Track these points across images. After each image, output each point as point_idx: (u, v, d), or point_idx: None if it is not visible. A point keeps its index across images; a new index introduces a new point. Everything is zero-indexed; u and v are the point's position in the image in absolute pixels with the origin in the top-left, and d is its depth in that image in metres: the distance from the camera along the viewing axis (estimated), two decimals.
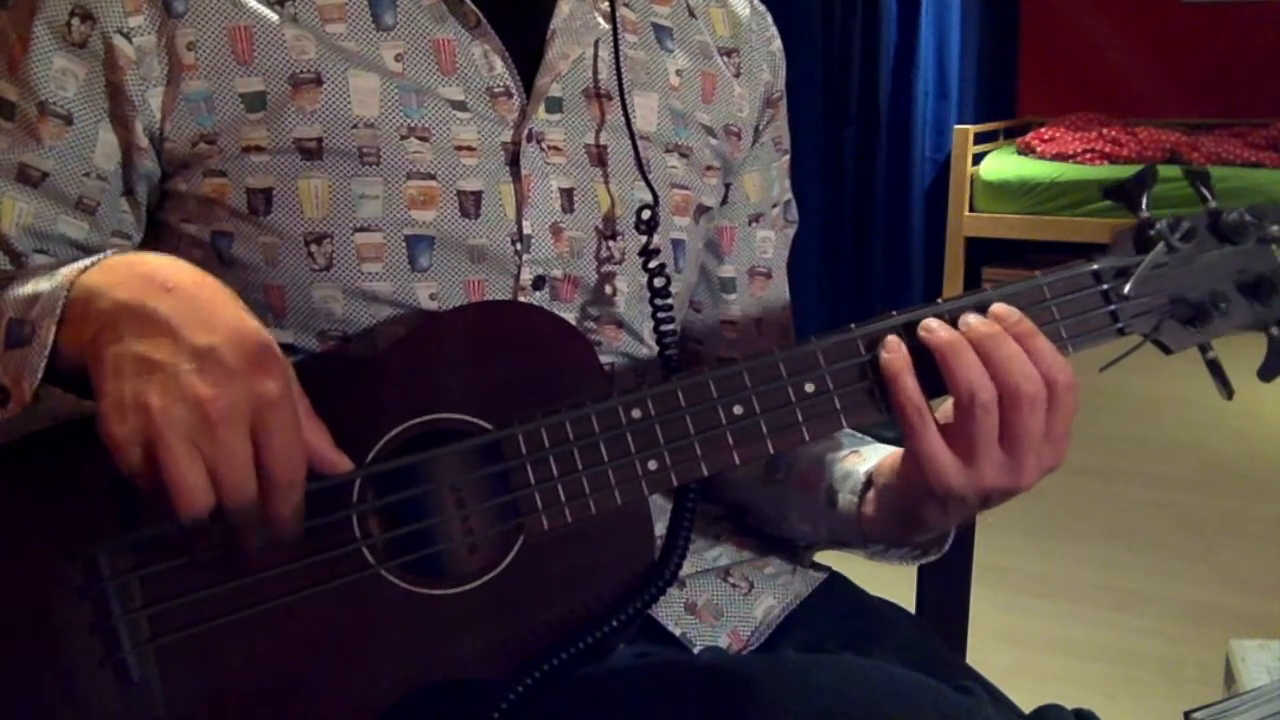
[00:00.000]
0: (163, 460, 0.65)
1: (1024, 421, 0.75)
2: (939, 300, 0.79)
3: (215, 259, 0.83)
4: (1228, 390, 0.82)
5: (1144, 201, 0.82)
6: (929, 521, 0.83)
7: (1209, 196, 0.84)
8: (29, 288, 0.73)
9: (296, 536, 0.70)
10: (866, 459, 0.91)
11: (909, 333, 0.78)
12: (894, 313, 0.79)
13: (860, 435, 0.95)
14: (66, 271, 0.72)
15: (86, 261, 0.73)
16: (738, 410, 0.77)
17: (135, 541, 0.74)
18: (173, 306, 0.68)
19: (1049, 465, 0.77)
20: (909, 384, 0.76)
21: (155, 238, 0.87)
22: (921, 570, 1.17)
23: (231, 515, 0.67)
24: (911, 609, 1.13)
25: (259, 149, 0.81)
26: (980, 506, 0.79)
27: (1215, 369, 0.83)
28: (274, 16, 0.82)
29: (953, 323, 0.77)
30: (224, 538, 0.69)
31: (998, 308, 0.78)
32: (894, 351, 0.77)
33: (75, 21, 0.80)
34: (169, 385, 0.66)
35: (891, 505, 0.86)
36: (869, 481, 0.89)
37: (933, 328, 0.77)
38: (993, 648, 2.32)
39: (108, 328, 0.68)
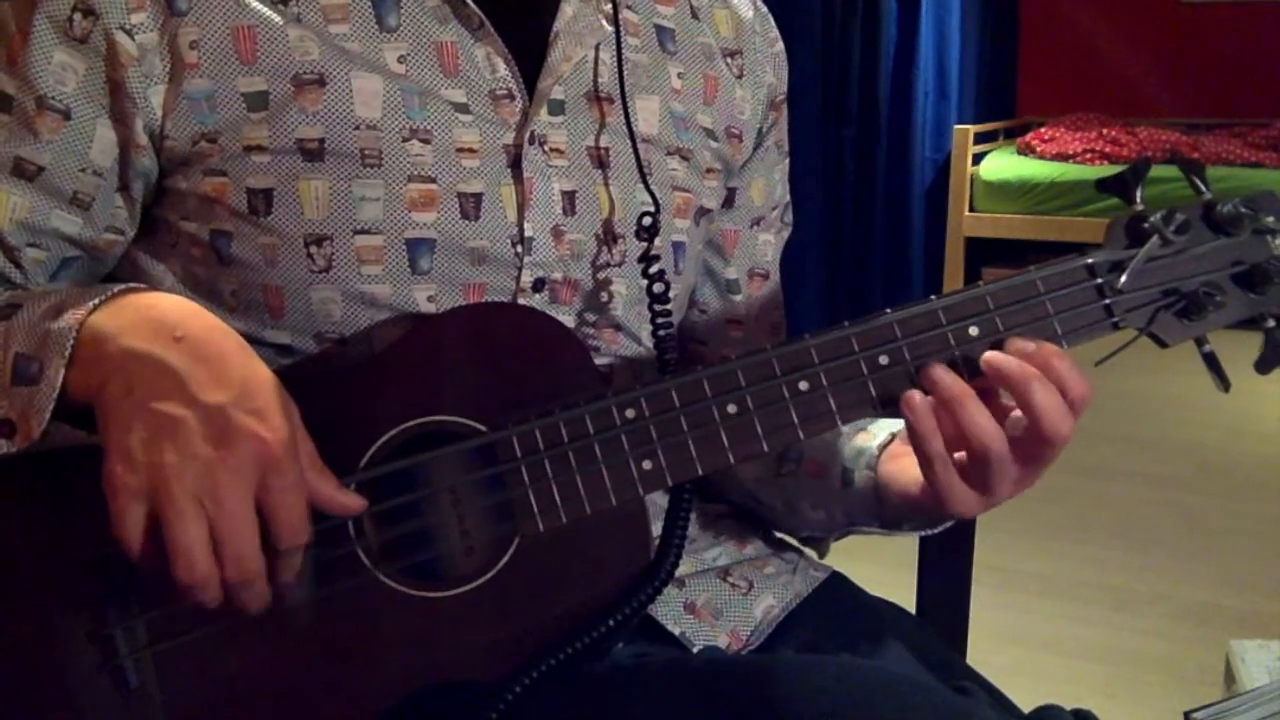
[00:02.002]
0: (168, 517, 0.66)
1: (1049, 453, 0.77)
2: (932, 297, 0.79)
3: (214, 258, 0.83)
4: (1224, 383, 0.82)
5: (1138, 194, 0.82)
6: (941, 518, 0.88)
7: (1204, 189, 0.83)
8: (37, 323, 0.74)
9: (291, 589, 0.71)
10: (875, 434, 0.93)
11: (908, 332, 0.78)
12: (888, 311, 0.79)
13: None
14: (75, 311, 0.73)
15: (95, 299, 0.73)
16: (732, 409, 0.77)
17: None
18: (182, 358, 0.69)
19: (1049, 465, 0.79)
20: (936, 445, 0.77)
21: (151, 234, 0.87)
22: (921, 570, 1.17)
23: (231, 574, 0.68)
24: (911, 609, 1.12)
25: (260, 149, 0.81)
26: None
27: (1212, 362, 0.82)
28: (277, 17, 0.82)
29: (964, 361, 0.78)
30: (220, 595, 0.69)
31: (1017, 343, 0.78)
32: (918, 414, 0.77)
33: (77, 16, 0.80)
34: (180, 443, 0.67)
35: (906, 507, 0.88)
36: (880, 459, 0.91)
37: (940, 385, 0.77)
38: (993, 648, 2.32)
39: (117, 376, 0.69)
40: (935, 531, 0.93)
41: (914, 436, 0.78)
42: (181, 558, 0.66)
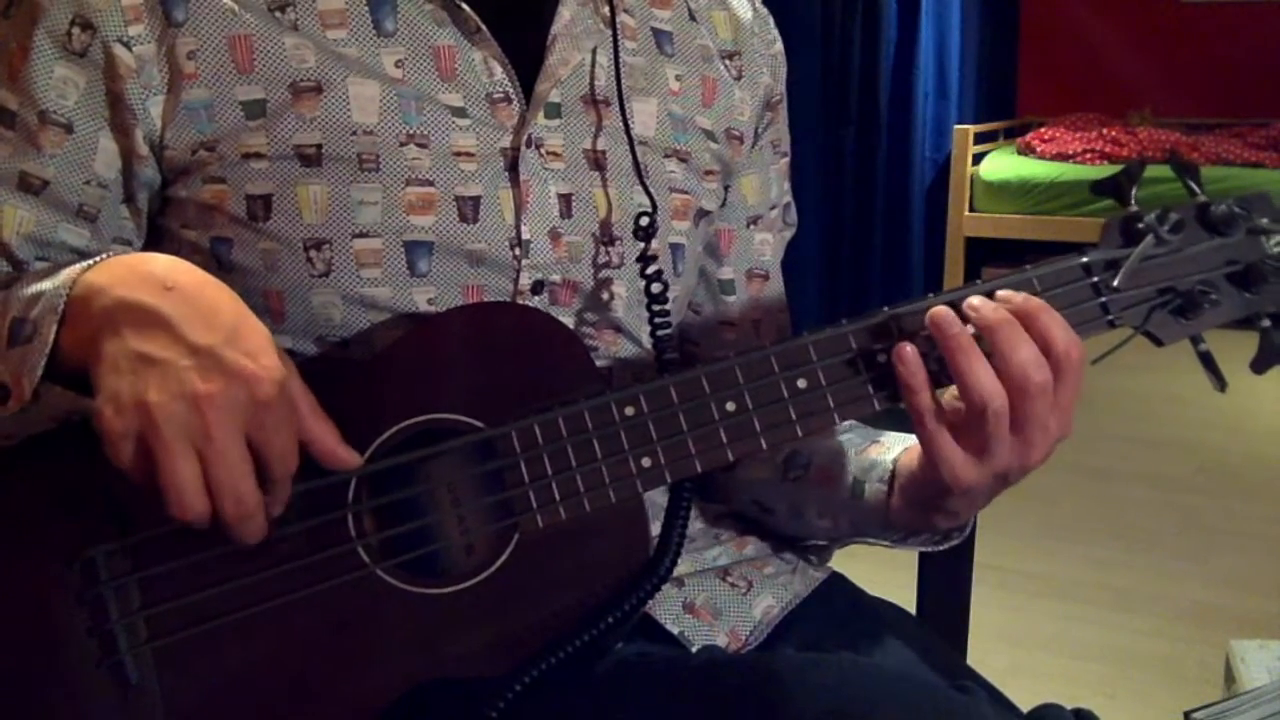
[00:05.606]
0: (158, 457, 0.67)
1: (1033, 407, 0.75)
2: (930, 295, 0.79)
3: (215, 265, 0.83)
4: (1221, 383, 0.82)
5: (1132, 196, 0.82)
6: (953, 509, 0.84)
7: (1197, 189, 0.84)
8: (32, 287, 0.74)
9: (275, 527, 0.72)
10: (889, 448, 0.92)
11: (906, 329, 0.78)
12: (886, 309, 0.79)
13: (872, 429, 0.96)
14: (69, 271, 0.74)
15: (90, 261, 0.74)
16: (730, 406, 0.78)
17: (132, 545, 0.74)
18: (173, 304, 0.69)
19: (1057, 436, 0.77)
20: (925, 398, 0.76)
21: (156, 243, 0.87)
22: (921, 570, 1.17)
23: (226, 510, 0.68)
24: (911, 609, 1.13)
25: (258, 155, 0.81)
26: (1000, 487, 0.80)
27: (1207, 361, 0.83)
28: (274, 25, 0.82)
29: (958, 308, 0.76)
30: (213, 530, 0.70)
31: (1003, 292, 0.77)
32: (910, 367, 0.76)
33: (76, 30, 0.80)
34: (167, 382, 0.67)
35: (915, 498, 0.87)
36: (895, 470, 0.89)
37: (943, 326, 0.75)
38: (993, 648, 2.32)
39: (107, 325, 0.69)
40: (940, 549, 0.92)
41: (904, 389, 0.76)
42: (173, 495, 0.67)
